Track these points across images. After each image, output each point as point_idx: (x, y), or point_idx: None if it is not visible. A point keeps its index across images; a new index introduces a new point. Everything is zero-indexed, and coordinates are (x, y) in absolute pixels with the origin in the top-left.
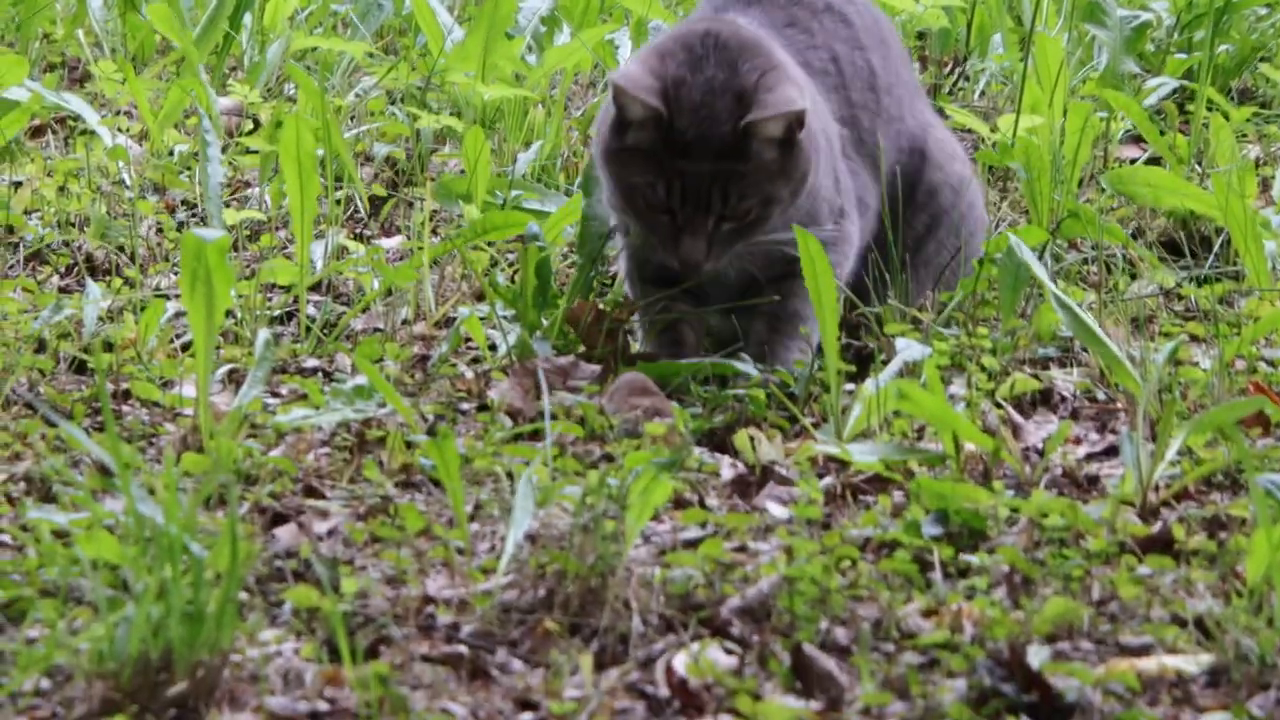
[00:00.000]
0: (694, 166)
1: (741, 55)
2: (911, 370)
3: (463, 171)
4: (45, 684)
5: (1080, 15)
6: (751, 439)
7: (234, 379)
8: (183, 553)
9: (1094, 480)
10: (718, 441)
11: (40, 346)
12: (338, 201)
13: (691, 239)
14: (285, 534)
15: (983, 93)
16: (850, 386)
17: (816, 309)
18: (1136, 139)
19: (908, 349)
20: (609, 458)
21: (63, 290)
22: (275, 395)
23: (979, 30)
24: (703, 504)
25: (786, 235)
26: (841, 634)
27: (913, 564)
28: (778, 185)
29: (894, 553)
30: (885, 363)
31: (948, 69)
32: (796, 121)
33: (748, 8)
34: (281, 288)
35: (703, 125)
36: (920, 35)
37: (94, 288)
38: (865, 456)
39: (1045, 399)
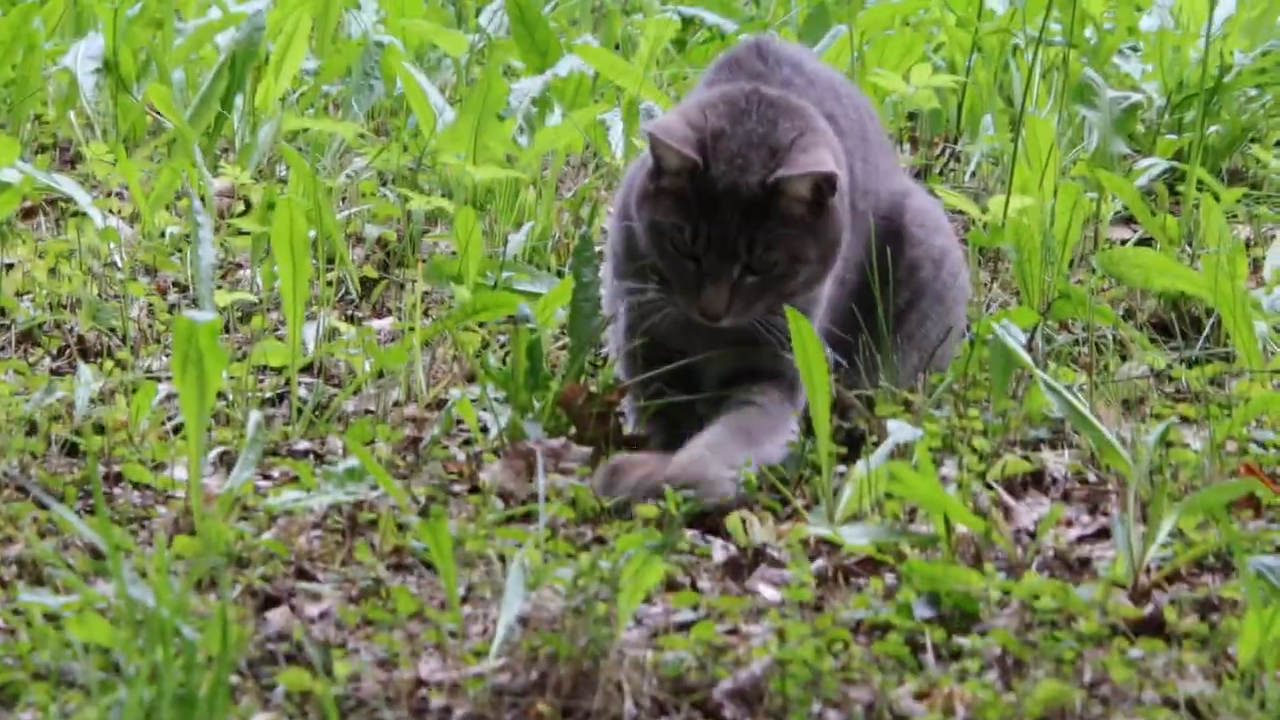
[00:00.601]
0: (722, 216)
1: (785, 114)
2: (903, 452)
3: (454, 253)
4: None
5: (1071, 96)
6: (743, 521)
7: (225, 461)
8: (174, 636)
9: (1085, 562)
10: (710, 524)
11: (32, 429)
12: (329, 283)
13: (714, 288)
14: (277, 617)
15: (973, 174)
16: (842, 468)
17: (808, 390)
18: (1127, 220)
19: (899, 431)
20: (601, 540)
21: (54, 372)
22: (267, 478)
23: (970, 112)
24: (695, 586)
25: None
26: (834, 717)
27: (905, 646)
28: (806, 244)
29: (886, 635)
30: (876, 445)
31: (938, 150)
32: (826, 183)
33: None
34: (273, 369)
35: (735, 176)
36: (911, 116)
37: (85, 370)
38: (857, 539)
39: (1037, 481)
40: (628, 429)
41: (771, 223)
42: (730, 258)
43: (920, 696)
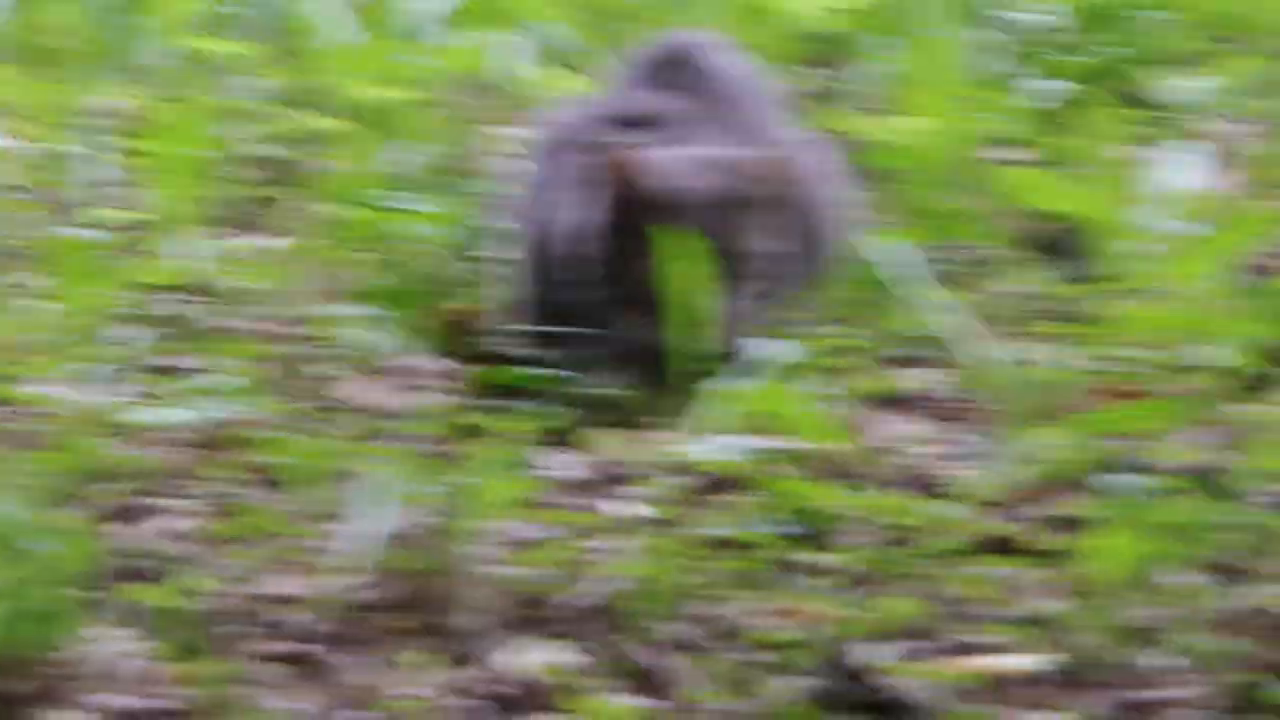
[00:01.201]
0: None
1: None
2: (769, 369)
3: (350, 173)
4: None
5: (970, 18)
6: (603, 438)
7: (96, 377)
8: (31, 550)
9: (946, 480)
10: (570, 440)
11: None
12: (219, 202)
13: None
14: (140, 532)
15: (869, 95)
16: (704, 386)
17: (673, 307)
18: (1024, 143)
19: (769, 347)
20: (463, 457)
21: None
22: (133, 394)
23: (868, 32)
24: (552, 504)
25: None
26: (691, 633)
27: (763, 563)
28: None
29: (745, 551)
30: (742, 362)
31: (835, 72)
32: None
33: None
34: (157, 287)
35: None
36: (809, 37)
37: None
38: (717, 455)
39: (904, 399)
40: (514, 351)
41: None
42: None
43: (777, 614)
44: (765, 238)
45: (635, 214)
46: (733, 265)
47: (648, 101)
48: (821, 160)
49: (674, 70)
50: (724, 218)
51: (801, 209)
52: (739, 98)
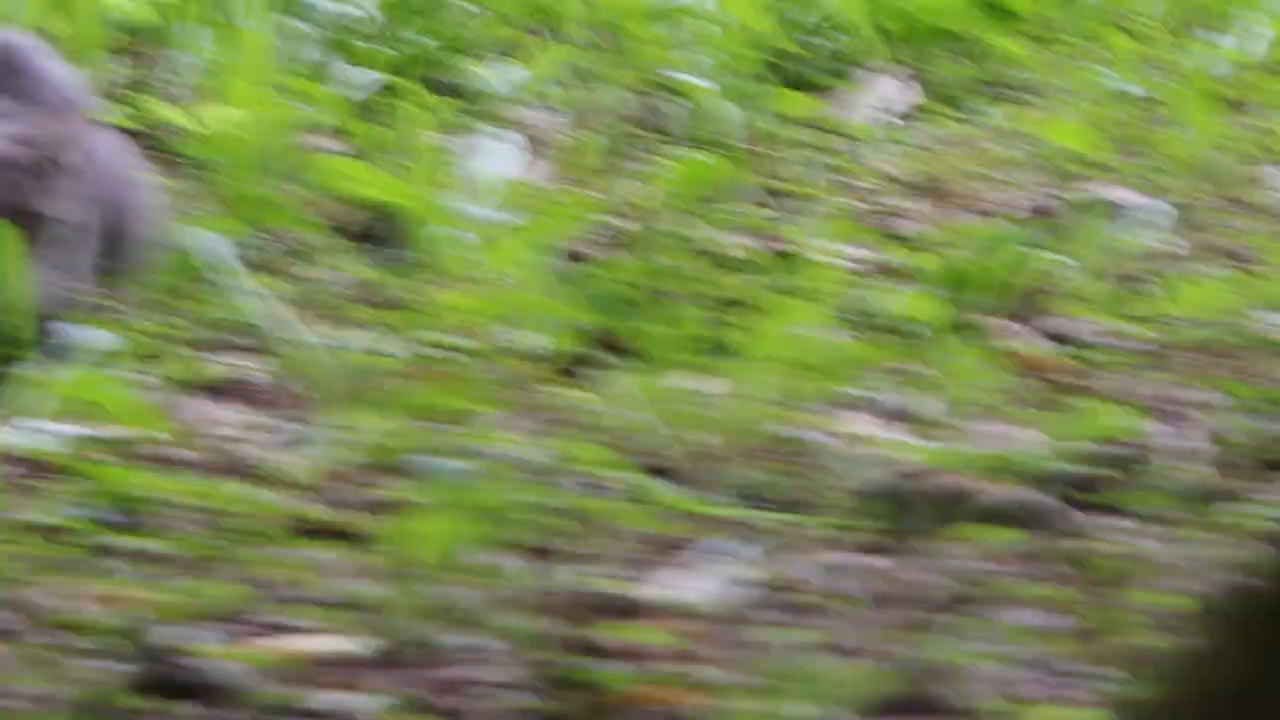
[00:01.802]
0: None
1: None
2: (85, 355)
3: None
4: None
5: (284, 9)
6: None
7: None
8: None
9: (264, 465)
10: None
11: None
12: None
13: None
14: None
15: (183, 85)
16: (19, 370)
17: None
18: (338, 131)
19: (84, 334)
20: None
21: None
22: None
23: (181, 22)
24: None
25: None
26: (4, 619)
27: (79, 549)
28: None
29: (60, 537)
30: (57, 346)
31: (145, 61)
32: None
33: None
34: None
35: None
36: (115, 26)
37: None
38: (32, 442)
39: (229, 386)
40: None
41: None
42: None
43: (95, 599)
44: (63, 206)
45: None
46: (31, 234)
47: None
48: (122, 148)
49: None
50: (14, 184)
51: (100, 185)
52: (54, 98)
